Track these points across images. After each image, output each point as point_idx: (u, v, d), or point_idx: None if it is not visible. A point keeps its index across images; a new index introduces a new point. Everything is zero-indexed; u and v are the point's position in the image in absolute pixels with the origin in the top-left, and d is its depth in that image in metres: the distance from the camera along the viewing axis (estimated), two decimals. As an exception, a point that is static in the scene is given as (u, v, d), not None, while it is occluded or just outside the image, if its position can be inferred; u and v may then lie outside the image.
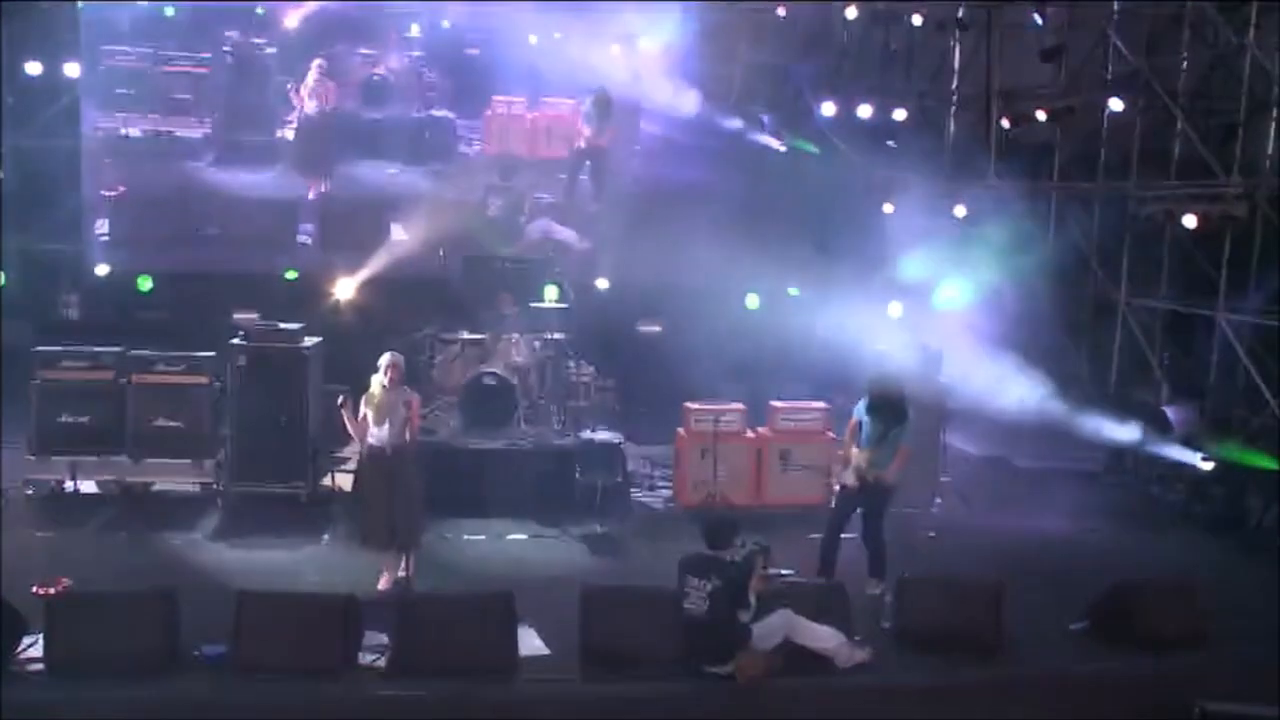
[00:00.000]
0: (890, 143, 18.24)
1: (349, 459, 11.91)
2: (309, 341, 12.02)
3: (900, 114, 18.28)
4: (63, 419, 11.73)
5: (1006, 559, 10.89)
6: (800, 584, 9.46)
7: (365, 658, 8.22)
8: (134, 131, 16.22)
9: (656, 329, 15.72)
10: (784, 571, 9.65)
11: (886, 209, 17.69)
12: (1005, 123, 18.32)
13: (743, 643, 8.03)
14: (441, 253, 14.55)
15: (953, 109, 19.36)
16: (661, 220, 15.56)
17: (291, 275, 15.83)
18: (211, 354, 12.05)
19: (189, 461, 11.89)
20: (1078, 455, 14.88)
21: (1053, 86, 17.77)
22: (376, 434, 9.61)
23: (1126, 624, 8.87)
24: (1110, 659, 8.70)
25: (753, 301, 16.36)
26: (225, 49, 16.39)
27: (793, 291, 16.61)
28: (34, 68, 15.89)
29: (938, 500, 12.69)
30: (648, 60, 16.68)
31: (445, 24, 16.89)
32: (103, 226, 16.22)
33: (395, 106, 16.83)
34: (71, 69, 15.87)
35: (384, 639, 8.35)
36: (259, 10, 16.54)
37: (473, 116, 16.99)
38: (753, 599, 8.08)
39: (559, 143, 16.84)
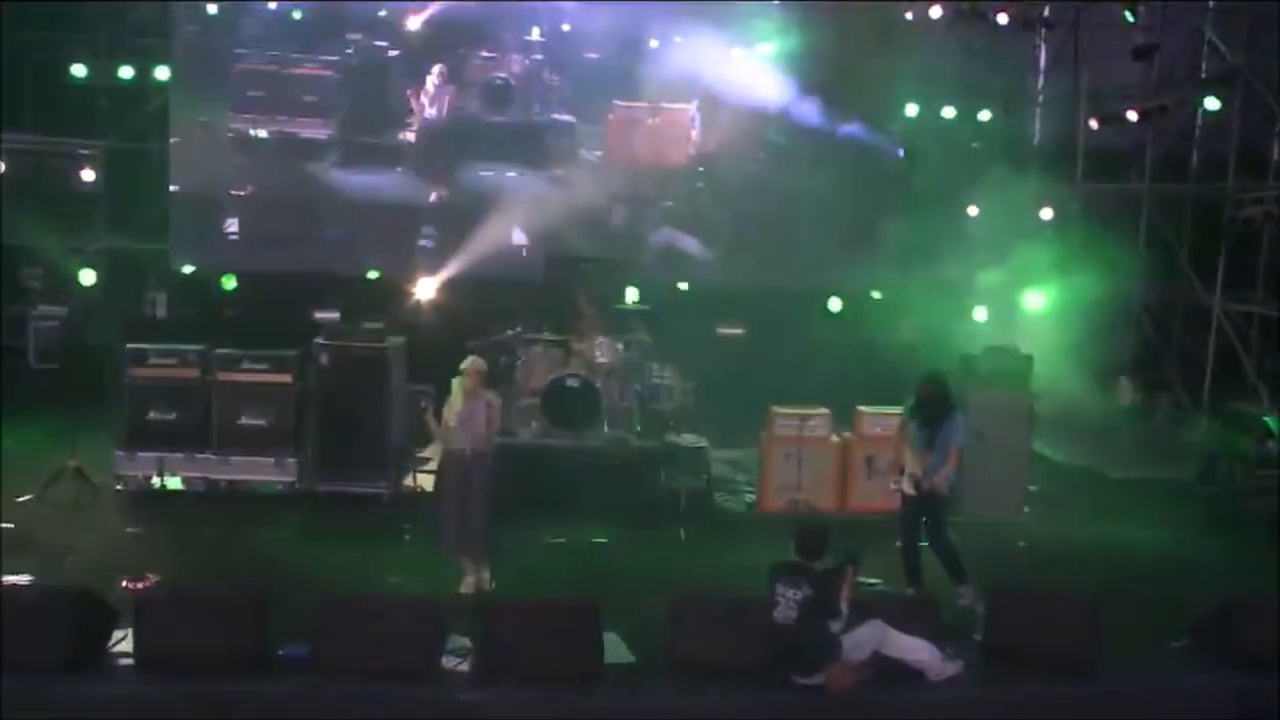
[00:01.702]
0: (974, 144, 17.92)
1: (431, 459, 11.94)
2: (392, 341, 12.04)
3: (985, 115, 17.94)
4: (151, 416, 11.88)
5: (1098, 570, 10.59)
6: (889, 594, 9.27)
7: (448, 661, 8.15)
8: (262, 132, 16.50)
9: (738, 331, 15.59)
10: (872, 581, 9.47)
11: (971, 212, 17.40)
12: (1094, 123, 17.95)
13: (833, 653, 7.84)
14: (524, 253, 14.54)
15: (1038, 109, 19.00)
16: (770, 227, 15.44)
17: (374, 275, 15.92)
18: (295, 352, 12.13)
19: (273, 460, 11.98)
20: (1170, 464, 14.50)
21: (1144, 85, 17.37)
22: (456, 438, 9.59)
23: (1234, 641, 8.50)
24: (1216, 678, 8.36)
25: (835, 305, 16.15)
26: (348, 51, 16.58)
27: (876, 294, 16.39)
28: (126, 71, 16.21)
29: (1026, 509, 12.40)
30: (770, 65, 16.54)
31: (565, 27, 16.89)
32: (232, 225, 16.50)
33: (516, 110, 16.85)
34: (162, 72, 16.17)
35: (467, 642, 8.29)
36: (381, 13, 16.72)
37: (594, 121, 16.95)
38: (844, 608, 7.89)
39: (681, 148, 16.73)
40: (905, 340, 14.97)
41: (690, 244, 16.53)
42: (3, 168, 16.08)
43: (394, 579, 9.90)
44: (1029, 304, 16.50)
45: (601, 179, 16.47)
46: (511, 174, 16.50)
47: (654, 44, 16.40)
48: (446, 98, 16.42)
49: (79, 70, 16.42)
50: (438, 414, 9.71)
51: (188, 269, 16.35)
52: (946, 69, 17.67)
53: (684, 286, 16.22)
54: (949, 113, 17.61)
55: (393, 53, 16.67)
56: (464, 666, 8.10)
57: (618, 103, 16.79)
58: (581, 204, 15.83)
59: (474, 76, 16.80)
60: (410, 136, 16.63)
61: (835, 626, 7.86)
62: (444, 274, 14.92)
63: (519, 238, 15.87)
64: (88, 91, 16.52)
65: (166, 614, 8.14)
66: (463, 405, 9.53)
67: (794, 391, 12.91)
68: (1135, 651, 8.72)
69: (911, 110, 17.46)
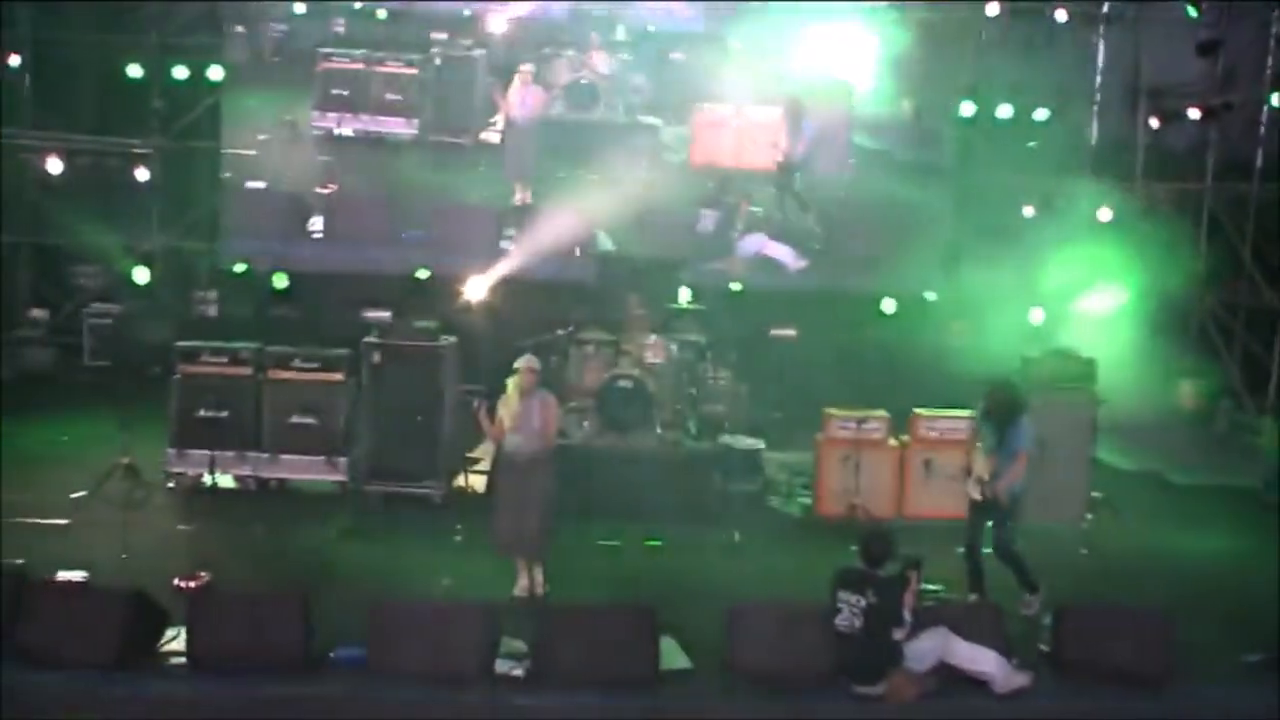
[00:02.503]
0: (1031, 144, 17.63)
1: (482, 459, 11.85)
2: (444, 340, 11.97)
3: (1042, 113, 17.64)
4: (202, 413, 11.85)
5: (1163, 579, 10.37)
6: (951, 602, 9.06)
7: (502, 665, 8.05)
8: (346, 131, 16.49)
9: (791, 333, 15.38)
10: (934, 587, 9.27)
11: (1027, 212, 17.12)
12: (1154, 121, 17.62)
13: (895, 662, 7.68)
14: (578, 252, 14.41)
15: (1096, 107, 18.67)
16: (854, 232, 15.23)
17: (423, 274, 15.86)
18: (347, 351, 12.08)
19: (323, 459, 11.92)
20: (1234, 470, 14.16)
21: (1206, 82, 17.03)
22: (511, 438, 9.49)
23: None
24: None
25: (889, 306, 15.92)
26: (433, 51, 16.55)
27: (929, 296, 16.16)
28: (180, 71, 16.32)
29: (1089, 516, 12.11)
30: (859, 68, 16.35)
31: (650, 28, 16.73)
32: (316, 223, 16.44)
33: (600, 111, 16.63)
34: (215, 72, 16.25)
35: (522, 646, 8.19)
36: (465, 13, 16.68)
37: (679, 123, 16.70)
38: (908, 615, 7.71)
39: (767, 153, 16.38)
40: (959, 342, 14.71)
41: (782, 253, 16.22)
42: (60, 167, 16.24)
43: (446, 581, 9.77)
44: (1087, 306, 16.19)
45: (687, 182, 16.21)
46: (595, 177, 16.05)
47: (738, 45, 16.20)
48: (531, 98, 16.19)
49: (134, 70, 16.56)
50: (491, 413, 9.60)
51: (240, 267, 16.36)
52: (1003, 67, 17.39)
53: (737, 287, 16.03)
54: (1005, 112, 17.30)
55: (477, 52, 16.58)
56: (519, 671, 8.00)
57: (704, 106, 16.53)
58: (666, 207, 15.55)
59: (559, 77, 16.62)
60: (494, 136, 16.49)
61: (898, 634, 7.69)
62: (499, 273, 14.77)
63: (595, 239, 15.65)
64: (142, 91, 16.63)
65: (218, 614, 8.12)
66: (518, 404, 9.43)
67: (849, 393, 12.69)
68: (1207, 666, 8.47)
69: (967, 109, 17.16)
